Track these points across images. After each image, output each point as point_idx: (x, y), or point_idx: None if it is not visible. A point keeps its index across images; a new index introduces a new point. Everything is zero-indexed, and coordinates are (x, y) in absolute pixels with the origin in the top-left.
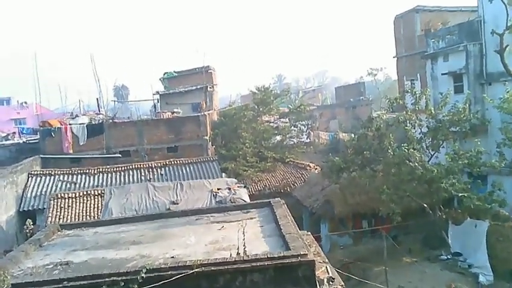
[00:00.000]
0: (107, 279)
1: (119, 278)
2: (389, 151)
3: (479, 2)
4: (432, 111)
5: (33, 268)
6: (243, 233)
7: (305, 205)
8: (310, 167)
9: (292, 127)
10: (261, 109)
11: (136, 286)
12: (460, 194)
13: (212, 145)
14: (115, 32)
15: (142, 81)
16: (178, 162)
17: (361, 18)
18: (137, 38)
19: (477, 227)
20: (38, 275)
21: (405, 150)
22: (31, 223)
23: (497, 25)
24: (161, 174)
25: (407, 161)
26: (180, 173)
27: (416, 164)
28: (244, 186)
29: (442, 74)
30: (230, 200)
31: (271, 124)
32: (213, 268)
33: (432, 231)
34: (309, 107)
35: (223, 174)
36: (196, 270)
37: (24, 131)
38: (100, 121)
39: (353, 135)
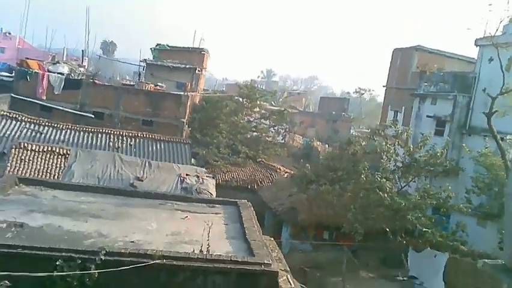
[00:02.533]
0: (64, 254)
1: (77, 255)
2: (362, 176)
3: (478, 60)
4: (411, 149)
5: None
6: (208, 229)
7: (270, 206)
8: (280, 169)
9: (271, 128)
10: (244, 103)
11: (92, 266)
12: (424, 229)
13: (188, 127)
14: None
15: (133, 45)
16: (151, 136)
17: (361, 37)
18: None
19: (436, 257)
20: None
21: (378, 178)
22: None
23: (491, 85)
24: (130, 145)
25: (377, 189)
26: (150, 149)
27: (385, 195)
28: (213, 177)
29: (427, 116)
30: (196, 189)
31: (252, 122)
32: (174, 262)
33: (392, 252)
34: (291, 111)
35: (193, 159)
36: (157, 261)
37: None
38: (80, 78)
39: (327, 147)
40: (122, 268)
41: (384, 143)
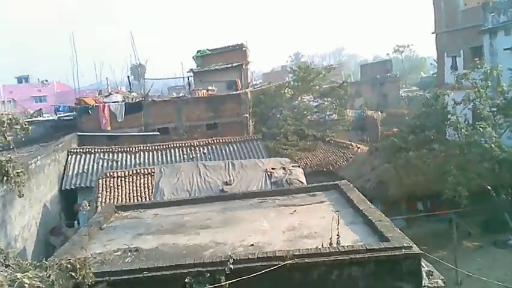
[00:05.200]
0: (191, 270)
1: (205, 269)
2: (462, 130)
3: None
4: (504, 87)
5: (103, 255)
6: (332, 219)
7: (354, 186)
8: (352, 145)
9: (333, 105)
10: (300, 87)
11: (223, 278)
12: None
13: (252, 122)
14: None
15: (164, 58)
16: (221, 140)
17: None
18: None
19: None
20: (112, 263)
21: (481, 128)
22: (87, 204)
23: None
24: (204, 153)
25: (481, 141)
26: (224, 152)
27: (493, 145)
28: (299, 166)
29: (504, 49)
30: (287, 180)
31: (312, 103)
32: (307, 260)
33: (493, 214)
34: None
35: None
36: (289, 261)
37: (60, 109)
38: (137, 99)
39: (380, 113)
40: (255, 274)
41: (476, 88)
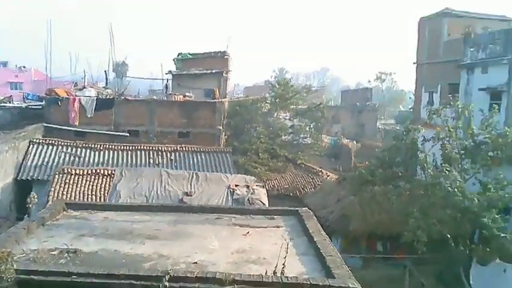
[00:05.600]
0: (123, 281)
1: (138, 282)
2: (428, 170)
3: None
4: (474, 130)
5: (37, 252)
6: (281, 247)
7: (318, 215)
8: (322, 172)
9: (308, 127)
10: (277, 103)
11: None
12: (498, 234)
13: (224, 135)
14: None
15: (146, 58)
16: (190, 149)
17: (368, 20)
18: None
19: (506, 272)
20: (43, 262)
21: (446, 171)
22: (35, 196)
23: None
24: (171, 160)
25: (445, 184)
26: (191, 161)
27: (456, 190)
28: (263, 186)
29: (479, 89)
30: (248, 200)
31: (287, 121)
32: (246, 287)
33: (449, 266)
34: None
35: None
36: (227, 286)
37: (29, 97)
38: (111, 96)
39: (355, 143)
40: None
41: (446, 127)
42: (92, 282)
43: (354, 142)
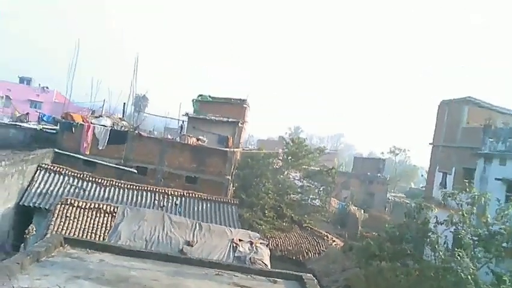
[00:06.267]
0: None
1: None
2: (440, 252)
3: None
4: (489, 219)
5: None
6: None
7: (321, 284)
8: (328, 237)
9: (317, 189)
10: (290, 161)
11: None
12: None
13: (232, 186)
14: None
15: (163, 95)
16: (196, 195)
17: (389, 94)
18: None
19: None
20: None
21: (458, 256)
22: (34, 229)
23: None
24: (176, 204)
25: (458, 270)
26: (196, 208)
27: (469, 277)
28: (267, 245)
29: (496, 179)
30: (250, 259)
31: (297, 181)
32: None
33: None
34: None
35: None
36: None
37: (44, 118)
38: (125, 129)
39: (363, 212)
40: None
41: (461, 212)
42: None
43: (362, 211)
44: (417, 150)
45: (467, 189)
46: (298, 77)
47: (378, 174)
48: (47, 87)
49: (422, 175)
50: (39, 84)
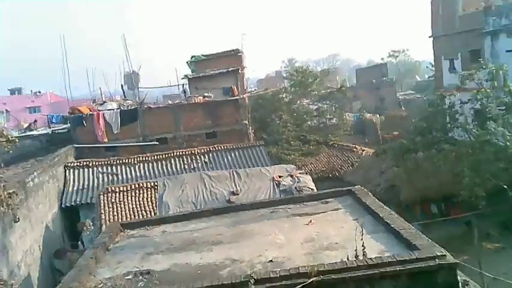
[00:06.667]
0: None
1: None
2: (473, 130)
3: None
4: (511, 87)
5: (113, 279)
6: (356, 230)
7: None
8: (356, 148)
9: (333, 108)
10: (299, 91)
11: None
12: None
13: (251, 129)
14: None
15: (158, 64)
16: (222, 148)
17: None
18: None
19: None
20: None
21: (493, 128)
22: (91, 224)
23: None
24: (205, 162)
25: (495, 140)
26: (225, 160)
27: (508, 143)
28: (306, 173)
29: (507, 51)
30: (296, 188)
31: (311, 106)
32: (334, 276)
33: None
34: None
35: None
36: (314, 279)
37: (53, 120)
38: (133, 107)
39: (378, 116)
40: None
41: (483, 88)
42: None
43: (377, 115)
44: (416, 47)
45: (483, 67)
46: (280, 9)
47: (384, 78)
48: (39, 92)
49: (427, 67)
50: (31, 91)
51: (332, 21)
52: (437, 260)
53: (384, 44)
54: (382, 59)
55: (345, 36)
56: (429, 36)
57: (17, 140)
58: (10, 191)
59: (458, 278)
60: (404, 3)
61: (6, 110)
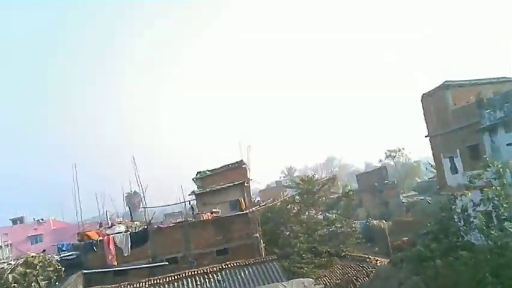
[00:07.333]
0: None
1: None
2: (492, 232)
3: None
4: None
5: None
6: None
7: None
8: (370, 258)
9: (341, 217)
10: (306, 200)
11: None
12: None
13: (263, 243)
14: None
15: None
16: (235, 264)
17: (367, 106)
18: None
19: None
20: None
21: (510, 229)
22: None
23: None
24: (219, 281)
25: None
26: (239, 277)
27: None
28: (324, 286)
29: (507, 145)
30: None
31: (319, 216)
32: None
33: None
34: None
35: None
36: None
37: (64, 248)
38: (144, 227)
39: (385, 222)
40: None
41: (493, 187)
42: None
43: (384, 221)
44: (411, 146)
45: (490, 165)
46: (277, 121)
47: (386, 182)
48: (42, 219)
49: (426, 168)
50: (34, 219)
51: (326, 126)
52: None
53: (380, 144)
54: (380, 160)
55: (340, 139)
56: (426, 136)
57: (62, 269)
58: None
59: None
60: (396, 104)
61: (9, 243)
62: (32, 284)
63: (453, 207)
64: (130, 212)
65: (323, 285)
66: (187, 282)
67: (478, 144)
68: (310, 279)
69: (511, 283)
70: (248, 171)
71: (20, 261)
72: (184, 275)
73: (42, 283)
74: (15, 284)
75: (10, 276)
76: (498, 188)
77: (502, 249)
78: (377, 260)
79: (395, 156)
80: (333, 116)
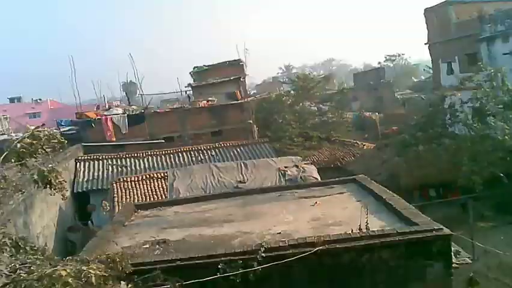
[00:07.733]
0: (223, 259)
1: (237, 258)
2: (473, 126)
3: None
4: (510, 86)
5: (132, 247)
6: (350, 209)
7: None
8: (357, 143)
9: (333, 108)
10: (301, 95)
11: (255, 264)
12: None
13: (256, 128)
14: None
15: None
16: (228, 144)
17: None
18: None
19: None
20: (143, 254)
21: (492, 123)
22: (107, 204)
23: None
24: (212, 156)
25: (494, 134)
26: (232, 154)
27: (506, 137)
28: (311, 163)
29: (504, 54)
30: (301, 177)
31: (313, 108)
32: (338, 245)
33: (506, 197)
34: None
35: None
36: (320, 247)
37: (62, 123)
38: (141, 111)
39: (377, 114)
40: (287, 260)
41: (482, 89)
42: (196, 263)
43: (376, 113)
44: (411, 52)
45: (482, 69)
46: (278, 14)
47: (382, 80)
48: (40, 99)
49: (424, 69)
50: (32, 99)
51: (327, 26)
52: (433, 231)
53: (379, 48)
54: (379, 63)
55: (340, 41)
56: (425, 43)
57: (65, 142)
58: (60, 179)
59: (452, 248)
60: (399, 11)
61: (7, 116)
62: (39, 150)
63: (443, 104)
64: (128, 97)
65: (311, 162)
66: (183, 155)
67: (476, 52)
68: (299, 157)
69: (484, 166)
70: (245, 67)
71: (26, 134)
72: (180, 149)
73: (48, 150)
74: (23, 149)
75: (19, 144)
76: (488, 89)
77: (481, 138)
78: (364, 145)
79: (394, 60)
80: (335, 15)
